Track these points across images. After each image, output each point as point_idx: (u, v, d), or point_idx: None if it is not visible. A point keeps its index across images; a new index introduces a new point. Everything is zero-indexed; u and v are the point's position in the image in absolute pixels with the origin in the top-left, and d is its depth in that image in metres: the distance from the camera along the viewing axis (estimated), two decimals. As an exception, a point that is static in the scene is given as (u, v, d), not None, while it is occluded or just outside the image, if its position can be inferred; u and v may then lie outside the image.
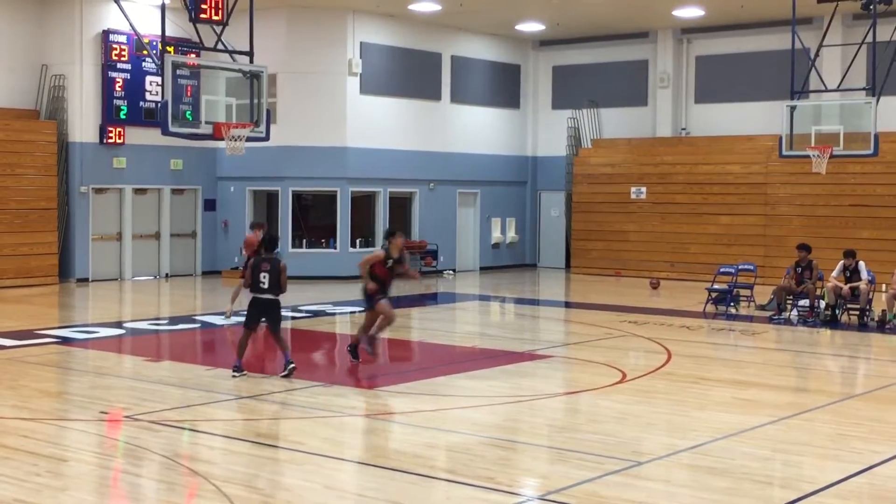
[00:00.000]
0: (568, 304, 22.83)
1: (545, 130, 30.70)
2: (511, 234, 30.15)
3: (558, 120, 30.10)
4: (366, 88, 25.95)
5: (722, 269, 20.87)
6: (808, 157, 20.63)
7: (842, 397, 11.84)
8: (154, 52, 19.35)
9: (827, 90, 21.45)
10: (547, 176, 30.60)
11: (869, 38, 20.54)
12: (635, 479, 8.02)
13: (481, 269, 29.28)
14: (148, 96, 24.32)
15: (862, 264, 18.28)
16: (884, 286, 18.61)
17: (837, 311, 18.13)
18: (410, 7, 25.05)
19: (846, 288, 18.11)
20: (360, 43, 25.77)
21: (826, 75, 22.35)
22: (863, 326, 17.61)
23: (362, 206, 26.46)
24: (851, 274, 18.16)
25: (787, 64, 20.88)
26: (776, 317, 18.51)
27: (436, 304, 21.77)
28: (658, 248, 27.34)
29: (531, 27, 28.19)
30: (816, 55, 21.91)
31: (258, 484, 7.77)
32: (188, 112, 16.06)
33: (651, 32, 28.70)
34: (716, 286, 20.20)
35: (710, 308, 19.74)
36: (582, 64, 30.04)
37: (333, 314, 19.05)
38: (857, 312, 18.02)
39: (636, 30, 28.55)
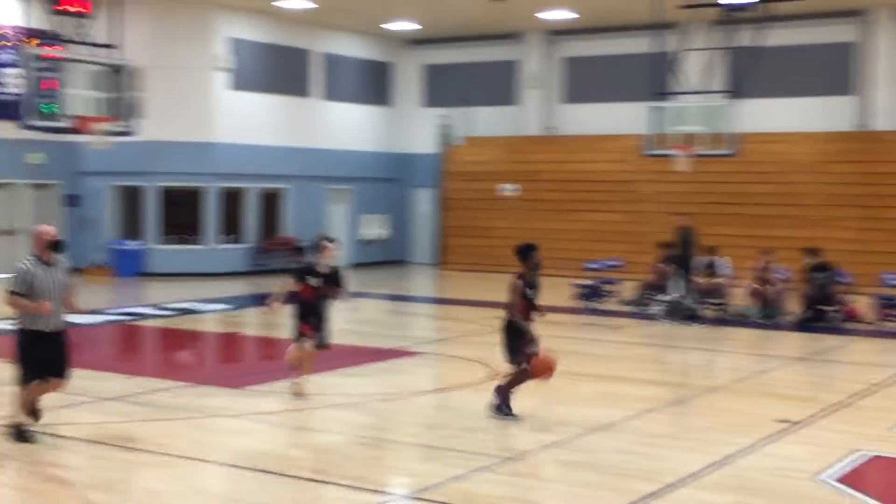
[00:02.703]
0: (439, 301, 22.95)
1: (417, 128, 30.77)
2: (383, 231, 30.15)
3: (430, 118, 30.22)
4: (236, 84, 25.59)
5: (589, 265, 21.31)
6: (671, 156, 21.22)
7: (702, 390, 12.20)
8: (14, 43, 18.67)
9: (689, 92, 22.09)
10: (419, 173, 30.68)
11: (729, 43, 21.23)
12: (505, 475, 8.12)
13: (353, 265, 29.19)
14: (7, 89, 23.41)
15: (722, 260, 18.92)
16: (743, 281, 19.26)
17: (700, 307, 18.70)
18: (275, 3, 24.81)
19: (707, 283, 18.70)
20: (230, 38, 25.38)
21: (689, 78, 22.99)
22: (723, 321, 18.20)
23: (232, 202, 26.08)
24: (712, 270, 18.77)
25: (653, 66, 21.44)
26: (641, 312, 18.97)
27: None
28: (528, 244, 27.69)
29: (401, 26, 28.22)
30: (679, 59, 22.50)
31: (123, 489, 7.57)
32: (49, 105, 15.57)
33: (520, 34, 29.07)
34: (583, 282, 20.60)
35: (578, 303, 20.10)
36: (453, 63, 30.23)
37: (201, 312, 18.71)
38: (718, 307, 18.63)
39: (506, 31, 28.87)
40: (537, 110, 29.07)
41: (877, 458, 8.77)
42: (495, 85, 29.60)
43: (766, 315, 18.26)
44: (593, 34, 28.15)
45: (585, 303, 20.06)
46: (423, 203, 30.76)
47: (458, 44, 29.95)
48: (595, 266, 21.36)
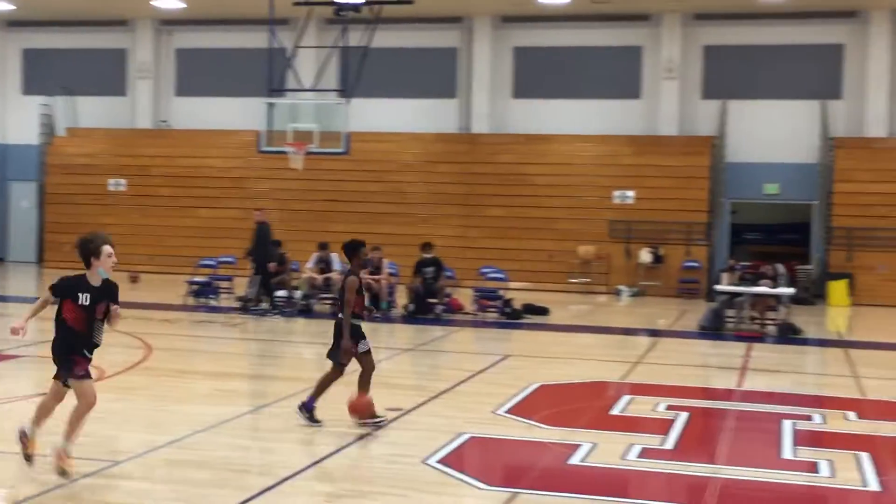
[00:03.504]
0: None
1: (15, 117, 28.83)
2: (-24, 227, 27.97)
3: (30, 106, 28.40)
4: None
5: (203, 262, 21.01)
6: (285, 153, 21.39)
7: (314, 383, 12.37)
8: None
9: (303, 90, 22.37)
10: (17, 165, 28.73)
11: (341, 43, 21.74)
12: (113, 479, 7.77)
13: (-59, 264, 26.82)
14: None
15: (335, 256, 19.36)
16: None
17: (312, 301, 19.02)
18: None
19: (320, 278, 19.07)
20: None
21: (302, 75, 23.28)
22: (335, 314, 18.58)
23: None
24: (326, 265, 19.17)
25: (267, 61, 21.49)
26: (255, 307, 18.96)
27: None
28: (138, 241, 26.80)
29: (-2, 4, 26.32)
30: (294, 56, 22.73)
31: None
32: None
33: (130, 21, 28.05)
34: (196, 279, 20.27)
35: (191, 301, 19.74)
36: (57, 48, 28.61)
37: None
38: (331, 301, 19.03)
39: (114, 17, 27.74)
40: (148, 102, 28.20)
41: (477, 438, 9.34)
42: (103, 74, 28.38)
43: (377, 308, 18.88)
44: (207, 26, 27.75)
45: (199, 300, 19.75)
46: (22, 198, 28.83)
47: (61, 28, 28.38)
48: (209, 263, 21.08)
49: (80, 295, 7.55)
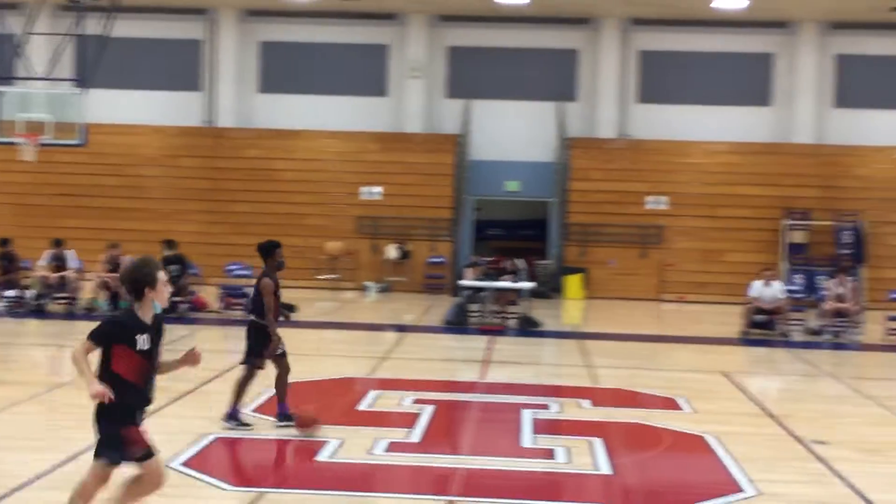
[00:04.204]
0: None
1: None
2: None
3: None
4: None
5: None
6: (15, 144, 20.26)
7: (49, 387, 11.78)
8: None
9: (35, 78, 21.22)
10: None
11: (77, 30, 20.76)
12: None
13: None
14: None
15: (71, 253, 18.49)
16: (92, 274, 18.98)
17: (45, 301, 18.08)
18: None
19: (55, 276, 18.15)
20: None
21: (34, 63, 22.05)
22: (71, 315, 17.79)
23: None
24: (60, 263, 18.27)
25: (-7, 47, 20.28)
26: (-17, 309, 17.88)
27: None
28: None
29: None
30: (24, 42, 21.50)
31: None
32: None
33: None
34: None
35: None
36: None
37: None
38: (66, 300, 18.17)
39: None
40: None
41: (223, 439, 9.16)
42: None
43: (116, 307, 18.17)
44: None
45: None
46: None
47: None
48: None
49: (137, 338, 5.89)
